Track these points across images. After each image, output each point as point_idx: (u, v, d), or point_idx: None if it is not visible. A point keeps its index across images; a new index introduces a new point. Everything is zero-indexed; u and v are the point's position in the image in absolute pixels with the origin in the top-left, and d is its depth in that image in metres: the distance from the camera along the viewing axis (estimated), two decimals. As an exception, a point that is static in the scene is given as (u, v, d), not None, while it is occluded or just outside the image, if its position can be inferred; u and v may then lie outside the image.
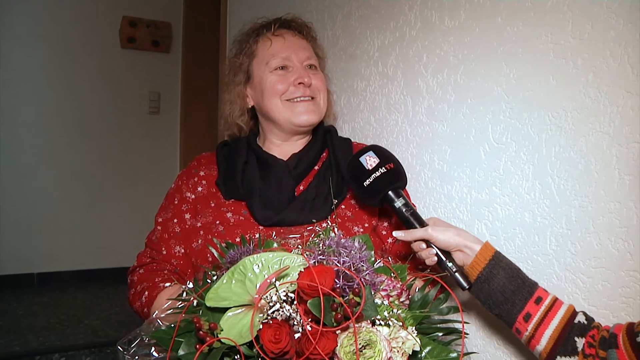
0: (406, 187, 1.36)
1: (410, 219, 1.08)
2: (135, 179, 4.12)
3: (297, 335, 0.77)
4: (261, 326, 0.77)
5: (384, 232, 1.25)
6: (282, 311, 0.76)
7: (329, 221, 1.15)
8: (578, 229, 1.03)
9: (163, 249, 1.31)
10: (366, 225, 1.23)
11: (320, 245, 0.87)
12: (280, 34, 1.33)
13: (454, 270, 1.03)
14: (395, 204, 1.09)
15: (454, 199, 1.28)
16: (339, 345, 0.76)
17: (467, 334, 0.98)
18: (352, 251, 0.85)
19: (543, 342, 0.95)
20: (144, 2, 4.14)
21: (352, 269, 0.83)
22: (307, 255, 0.85)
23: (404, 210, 1.08)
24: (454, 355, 0.91)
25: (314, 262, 0.83)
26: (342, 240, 0.87)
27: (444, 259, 1.04)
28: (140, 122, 4.20)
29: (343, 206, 1.25)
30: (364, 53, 1.60)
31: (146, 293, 1.23)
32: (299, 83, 1.27)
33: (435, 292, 0.99)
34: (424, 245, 1.06)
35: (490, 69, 1.20)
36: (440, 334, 0.94)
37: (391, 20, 1.49)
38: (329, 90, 1.39)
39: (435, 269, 1.06)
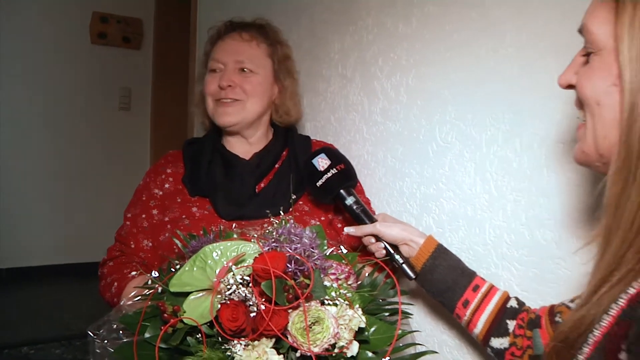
0: (362, 183, 1.46)
1: (361, 215, 1.17)
2: (105, 174, 4.14)
3: (252, 314, 0.85)
4: (220, 307, 0.85)
5: (339, 225, 1.34)
6: (238, 292, 0.84)
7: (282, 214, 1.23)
8: (512, 221, 1.13)
9: (132, 242, 1.37)
10: (322, 218, 1.32)
11: (274, 233, 0.95)
12: (225, 38, 1.42)
13: (401, 262, 1.12)
14: (347, 202, 1.18)
15: (404, 194, 1.38)
16: (290, 322, 0.85)
17: (411, 314, 1.07)
18: (304, 239, 0.93)
19: (479, 326, 1.04)
20: (114, -2, 4.16)
21: (304, 254, 0.92)
22: (261, 243, 0.93)
23: (354, 207, 1.18)
24: (399, 332, 1.00)
25: (268, 249, 0.91)
26: (295, 230, 0.95)
27: (392, 252, 1.13)
28: (111, 118, 4.22)
29: (301, 202, 1.33)
30: (326, 55, 1.68)
31: (115, 284, 1.30)
32: (219, 86, 1.37)
33: (383, 277, 1.09)
34: (373, 240, 1.15)
35: (438, 73, 1.29)
36: (387, 314, 1.04)
37: (350, 24, 1.58)
38: (292, 91, 1.47)
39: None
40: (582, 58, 0.65)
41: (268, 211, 1.14)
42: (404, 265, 1.12)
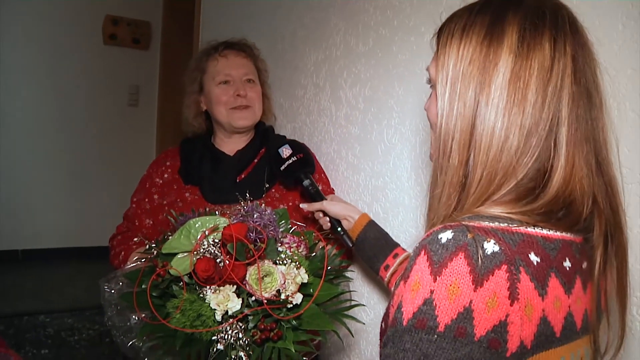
0: (329, 177, 1.75)
1: (315, 195, 1.46)
2: (114, 165, 4.45)
3: (220, 266, 1.15)
4: (196, 261, 1.14)
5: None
6: (209, 250, 1.14)
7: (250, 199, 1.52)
8: (436, 207, 1.42)
9: (136, 221, 1.68)
10: (290, 203, 1.61)
11: (242, 211, 1.25)
12: (225, 55, 1.69)
13: (342, 233, 1.41)
14: (304, 184, 1.47)
15: (360, 185, 1.67)
16: (248, 274, 1.14)
17: (351, 278, 1.36)
18: (263, 215, 1.22)
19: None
20: (125, 2, 4.47)
21: (263, 227, 1.21)
22: (231, 217, 1.22)
23: (310, 188, 1.47)
24: (339, 290, 1.29)
25: (236, 221, 1.21)
26: (257, 209, 1.24)
27: (335, 224, 1.42)
28: (120, 113, 4.53)
29: (273, 190, 1.62)
30: (304, 66, 1.97)
31: (122, 253, 1.61)
32: (237, 95, 1.64)
33: (333, 250, 1.38)
34: (321, 215, 1.45)
35: (387, 86, 1.58)
36: (331, 277, 1.33)
37: (323, 41, 1.86)
38: (267, 96, 1.76)
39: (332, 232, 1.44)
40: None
41: (246, 196, 1.43)
42: (343, 236, 1.40)
